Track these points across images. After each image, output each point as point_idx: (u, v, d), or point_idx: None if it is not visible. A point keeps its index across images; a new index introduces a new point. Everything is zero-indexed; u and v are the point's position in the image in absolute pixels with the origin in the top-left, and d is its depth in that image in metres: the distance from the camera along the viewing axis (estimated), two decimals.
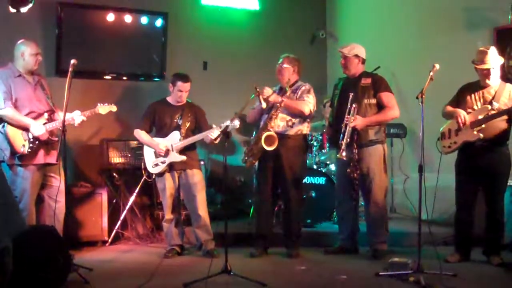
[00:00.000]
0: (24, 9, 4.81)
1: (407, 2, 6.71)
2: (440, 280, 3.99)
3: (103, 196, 5.61)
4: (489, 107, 4.48)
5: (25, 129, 4.53)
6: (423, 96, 4.22)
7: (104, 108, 4.85)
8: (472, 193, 4.68)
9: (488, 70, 4.51)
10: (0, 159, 4.56)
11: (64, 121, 4.32)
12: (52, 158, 4.63)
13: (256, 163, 5.10)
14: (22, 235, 3.78)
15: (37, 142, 4.54)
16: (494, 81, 4.57)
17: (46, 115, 4.64)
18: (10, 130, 4.52)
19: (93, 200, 5.57)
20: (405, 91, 5.99)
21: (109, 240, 5.56)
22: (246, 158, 5.02)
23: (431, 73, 4.27)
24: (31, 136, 4.53)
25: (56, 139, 4.66)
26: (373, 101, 4.89)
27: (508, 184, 4.99)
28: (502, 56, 4.71)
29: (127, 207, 5.74)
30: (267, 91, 4.92)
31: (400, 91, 5.95)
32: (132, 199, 5.76)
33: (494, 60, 4.51)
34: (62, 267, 3.85)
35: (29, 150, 4.52)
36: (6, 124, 4.53)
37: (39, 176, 4.63)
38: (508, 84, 4.59)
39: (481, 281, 4.24)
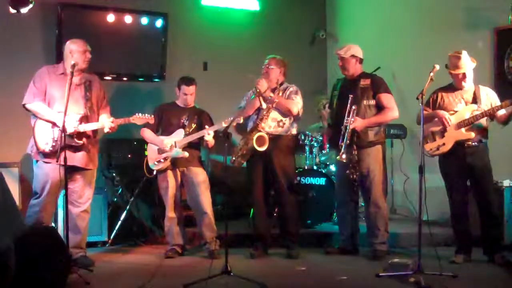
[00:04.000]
0: (24, 10, 4.80)
1: (407, 3, 6.72)
2: (440, 281, 3.99)
3: (103, 196, 5.60)
4: (475, 106, 4.56)
5: (54, 124, 4.51)
6: (423, 96, 4.23)
7: (140, 119, 4.72)
8: (463, 190, 4.72)
9: (464, 74, 4.58)
10: (30, 152, 4.63)
11: (64, 121, 4.30)
12: (76, 161, 4.57)
13: (245, 164, 5.09)
14: (22, 236, 3.79)
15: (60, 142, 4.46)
16: (469, 83, 4.64)
17: (77, 117, 4.55)
18: (38, 127, 4.54)
19: (93, 200, 5.55)
20: (405, 91, 5.99)
21: (109, 241, 5.56)
22: (234, 158, 5.03)
23: (431, 74, 4.28)
24: (56, 136, 4.48)
25: (81, 142, 4.58)
26: (373, 102, 4.89)
27: (509, 184, 5.01)
28: (502, 56, 4.73)
29: (128, 207, 5.75)
30: (263, 84, 4.92)
31: (400, 91, 5.95)
32: (132, 199, 5.77)
33: (467, 64, 4.57)
34: (63, 267, 3.86)
35: (51, 148, 4.49)
36: (36, 119, 4.55)
37: (60, 176, 4.54)
38: (481, 86, 4.68)
39: (481, 281, 4.24)
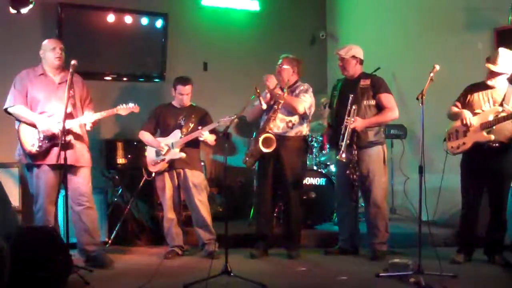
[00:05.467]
0: (24, 10, 4.81)
1: (407, 3, 6.72)
2: (441, 281, 3.99)
3: (104, 197, 5.60)
4: (500, 108, 4.48)
5: (35, 126, 4.48)
6: (423, 97, 4.22)
7: (124, 109, 4.68)
8: (478, 193, 4.69)
9: (493, 72, 4.51)
10: (18, 157, 4.58)
11: (64, 122, 4.29)
12: (68, 159, 4.48)
13: (256, 164, 5.10)
14: (23, 236, 3.79)
15: (46, 141, 4.45)
16: (502, 83, 4.57)
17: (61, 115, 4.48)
18: (22, 129, 4.51)
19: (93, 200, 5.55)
20: (405, 92, 5.99)
21: (109, 241, 5.56)
22: (246, 159, 5.03)
23: (431, 74, 4.27)
24: (41, 136, 4.46)
25: (69, 139, 4.52)
26: (373, 102, 4.89)
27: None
28: None
29: (128, 207, 5.75)
30: (273, 81, 4.90)
31: (400, 92, 5.96)
32: (132, 199, 5.77)
33: (504, 63, 4.49)
34: (63, 268, 3.86)
35: (38, 149, 4.45)
36: (20, 122, 4.53)
37: (54, 176, 4.53)
38: None
39: (481, 282, 4.24)
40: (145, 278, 4.16)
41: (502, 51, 4.52)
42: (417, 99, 4.24)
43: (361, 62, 5.02)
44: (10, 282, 3.50)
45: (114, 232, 5.62)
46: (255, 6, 7.23)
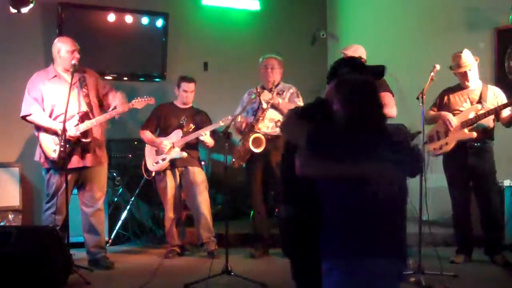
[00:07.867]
0: (25, 10, 4.80)
1: (407, 3, 6.71)
2: (441, 281, 3.99)
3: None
4: (479, 106, 4.54)
5: (56, 133, 4.43)
6: (424, 96, 4.23)
7: (139, 103, 4.68)
8: (464, 189, 4.71)
9: (466, 72, 4.57)
10: (39, 160, 4.56)
11: (65, 121, 4.28)
12: (86, 161, 4.53)
13: (244, 165, 5.09)
14: (23, 236, 3.79)
15: (67, 146, 4.35)
16: (475, 82, 4.62)
17: (77, 116, 4.47)
18: (42, 137, 4.48)
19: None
20: (405, 91, 5.97)
21: (110, 241, 5.56)
22: (234, 159, 5.02)
23: (432, 74, 4.28)
24: (63, 142, 4.36)
25: (89, 140, 4.51)
26: None
27: (509, 184, 5.01)
28: (503, 56, 4.72)
29: (128, 207, 5.74)
30: (266, 95, 4.91)
31: (401, 91, 5.93)
32: (132, 199, 5.77)
33: (469, 62, 4.56)
34: (63, 267, 3.86)
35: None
36: (40, 130, 4.49)
37: (72, 178, 4.50)
38: (489, 85, 4.68)
39: (481, 281, 4.25)
40: (145, 278, 4.17)
41: (463, 53, 4.57)
42: (417, 99, 4.25)
43: (364, 62, 5.03)
44: (10, 281, 3.51)
45: (114, 232, 5.62)
46: (256, 6, 7.22)
